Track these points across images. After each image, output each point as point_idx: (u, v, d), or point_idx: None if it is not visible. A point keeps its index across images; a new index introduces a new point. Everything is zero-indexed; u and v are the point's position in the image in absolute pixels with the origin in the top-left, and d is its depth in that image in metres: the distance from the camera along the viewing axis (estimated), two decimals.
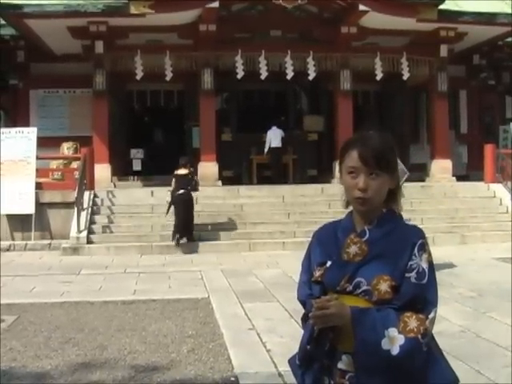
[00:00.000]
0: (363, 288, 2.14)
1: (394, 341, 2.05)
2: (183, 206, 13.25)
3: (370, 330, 2.06)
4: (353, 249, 2.21)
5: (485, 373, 5.05)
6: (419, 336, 2.06)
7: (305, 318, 2.29)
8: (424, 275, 2.12)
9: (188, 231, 13.32)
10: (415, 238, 2.17)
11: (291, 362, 2.33)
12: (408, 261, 2.13)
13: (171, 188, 13.55)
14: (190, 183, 13.51)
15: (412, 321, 2.07)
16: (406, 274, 2.12)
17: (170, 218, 13.55)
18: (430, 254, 2.17)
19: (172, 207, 13.38)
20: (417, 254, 2.13)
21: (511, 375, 4.91)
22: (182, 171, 13.65)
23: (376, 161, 2.15)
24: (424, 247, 2.16)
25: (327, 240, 2.31)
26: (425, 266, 2.13)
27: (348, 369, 2.15)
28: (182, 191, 13.32)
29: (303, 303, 2.34)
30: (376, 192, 2.17)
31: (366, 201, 2.17)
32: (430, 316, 2.11)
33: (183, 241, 13.15)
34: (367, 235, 2.21)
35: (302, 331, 2.30)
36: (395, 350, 2.04)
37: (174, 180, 13.62)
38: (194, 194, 13.69)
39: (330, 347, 2.17)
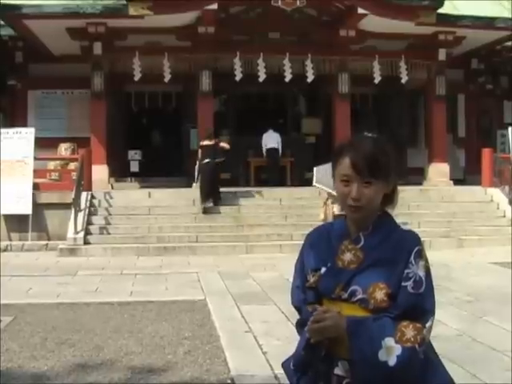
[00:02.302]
0: (359, 296, 2.10)
1: (391, 351, 2.01)
2: (209, 173, 14.73)
3: (367, 341, 2.02)
4: (347, 256, 2.16)
5: (480, 376, 5.06)
6: (416, 345, 2.02)
7: (300, 324, 2.25)
8: (421, 284, 2.08)
9: (214, 196, 14.80)
10: (411, 245, 2.12)
11: (285, 365, 2.28)
12: (404, 268, 2.08)
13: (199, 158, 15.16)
14: (215, 152, 14.94)
15: (409, 330, 2.03)
16: (403, 283, 2.07)
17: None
18: (426, 261, 2.13)
19: (200, 175, 14.95)
20: (413, 262, 2.08)
21: (511, 379, 4.91)
22: (207, 142, 15.13)
23: (369, 169, 2.09)
24: (421, 254, 2.11)
25: (320, 244, 2.25)
26: (422, 273, 2.08)
27: (345, 375, 2.12)
28: (207, 160, 14.84)
29: (298, 309, 2.30)
30: (370, 200, 2.12)
31: (359, 209, 2.12)
32: (428, 325, 2.07)
33: (210, 204, 14.58)
34: (362, 242, 2.16)
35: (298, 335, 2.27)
36: (392, 361, 2.00)
37: (199, 151, 15.19)
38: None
39: (326, 353, 2.13)
